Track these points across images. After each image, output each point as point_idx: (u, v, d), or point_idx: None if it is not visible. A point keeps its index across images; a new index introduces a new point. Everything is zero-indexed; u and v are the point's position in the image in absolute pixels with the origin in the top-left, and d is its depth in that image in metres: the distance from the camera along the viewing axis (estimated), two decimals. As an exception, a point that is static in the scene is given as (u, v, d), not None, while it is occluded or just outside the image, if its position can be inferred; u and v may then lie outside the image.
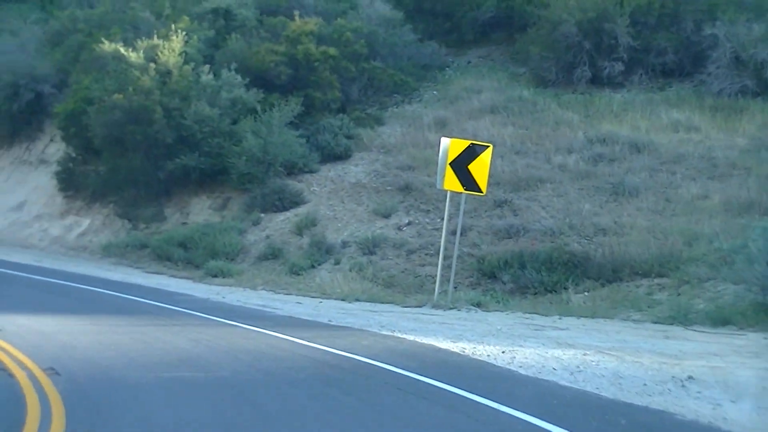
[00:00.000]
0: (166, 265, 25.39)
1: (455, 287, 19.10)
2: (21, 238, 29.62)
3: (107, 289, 19.74)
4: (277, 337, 13.50)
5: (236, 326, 14.60)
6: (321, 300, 19.49)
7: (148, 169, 27.74)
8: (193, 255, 24.98)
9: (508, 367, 11.58)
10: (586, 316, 16.88)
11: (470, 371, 11.33)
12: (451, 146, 18.41)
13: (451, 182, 18.37)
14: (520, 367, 11.54)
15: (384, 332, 14.35)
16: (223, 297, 19.51)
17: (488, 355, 12.30)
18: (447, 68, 32.79)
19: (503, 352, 12.50)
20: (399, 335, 14.06)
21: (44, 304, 17.18)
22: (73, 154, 29.80)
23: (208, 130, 27.14)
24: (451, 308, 17.95)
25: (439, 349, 12.83)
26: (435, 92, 31.03)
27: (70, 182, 29.87)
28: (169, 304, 17.41)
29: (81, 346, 11.92)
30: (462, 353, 12.51)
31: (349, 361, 11.64)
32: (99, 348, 11.91)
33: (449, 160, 18.30)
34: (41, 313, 15.17)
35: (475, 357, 12.25)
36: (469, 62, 33.43)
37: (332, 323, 15.54)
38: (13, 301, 17.20)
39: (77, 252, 28.04)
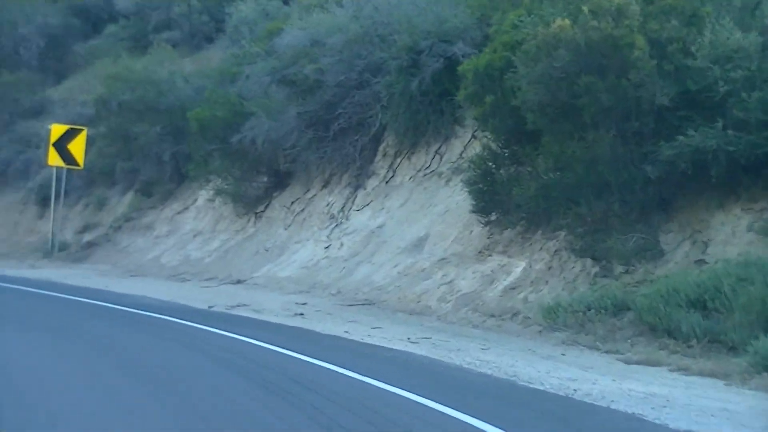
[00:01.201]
0: (667, 345, 12.73)
1: None
2: (412, 297, 17.45)
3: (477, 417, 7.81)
4: None
5: None
6: None
7: (624, 161, 14.82)
8: (722, 325, 12.43)
9: None
10: None
11: None
12: None
13: None
14: None
15: None
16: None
17: None
18: None
19: None
20: None
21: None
22: (493, 146, 17.07)
23: (739, 78, 13.89)
24: None
25: None
26: None
27: (491, 198, 16.95)
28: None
29: None
30: None
31: None
32: None
33: None
34: None
35: None
36: None
37: None
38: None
39: (499, 321, 15.23)
